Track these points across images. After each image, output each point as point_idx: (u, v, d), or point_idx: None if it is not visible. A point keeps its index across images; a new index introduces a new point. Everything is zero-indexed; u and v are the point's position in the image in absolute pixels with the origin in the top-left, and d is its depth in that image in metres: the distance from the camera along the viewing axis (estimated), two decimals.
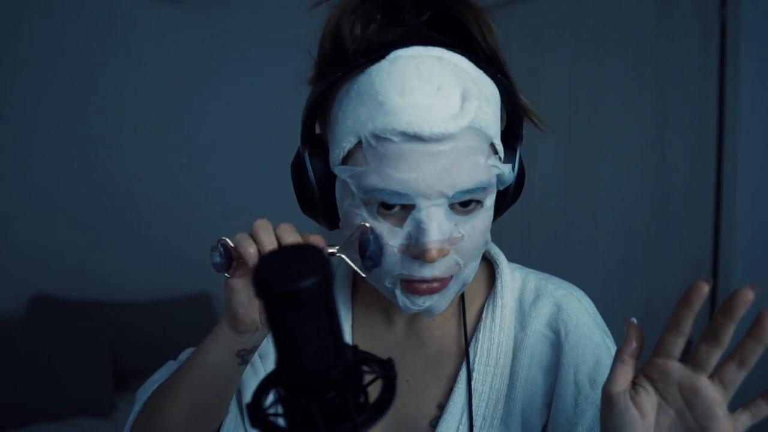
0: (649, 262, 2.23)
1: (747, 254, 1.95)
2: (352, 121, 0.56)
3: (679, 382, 0.47)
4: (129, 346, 2.46)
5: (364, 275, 0.58)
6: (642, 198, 2.26)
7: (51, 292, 2.46)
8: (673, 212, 2.18)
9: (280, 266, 0.33)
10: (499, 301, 0.69)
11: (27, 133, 2.49)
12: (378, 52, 0.55)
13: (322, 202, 0.62)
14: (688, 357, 0.47)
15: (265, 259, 0.34)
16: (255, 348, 0.62)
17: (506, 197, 0.64)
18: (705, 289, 0.45)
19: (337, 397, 0.35)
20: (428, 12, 0.61)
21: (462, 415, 0.65)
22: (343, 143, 0.57)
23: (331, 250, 0.58)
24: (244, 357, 0.61)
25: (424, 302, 0.59)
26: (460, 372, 0.67)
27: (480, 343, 0.68)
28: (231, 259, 0.57)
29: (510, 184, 0.63)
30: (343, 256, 0.58)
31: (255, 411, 0.36)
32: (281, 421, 0.36)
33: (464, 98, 0.54)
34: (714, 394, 0.46)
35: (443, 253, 0.56)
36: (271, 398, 0.38)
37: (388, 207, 0.56)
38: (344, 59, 0.57)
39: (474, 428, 0.65)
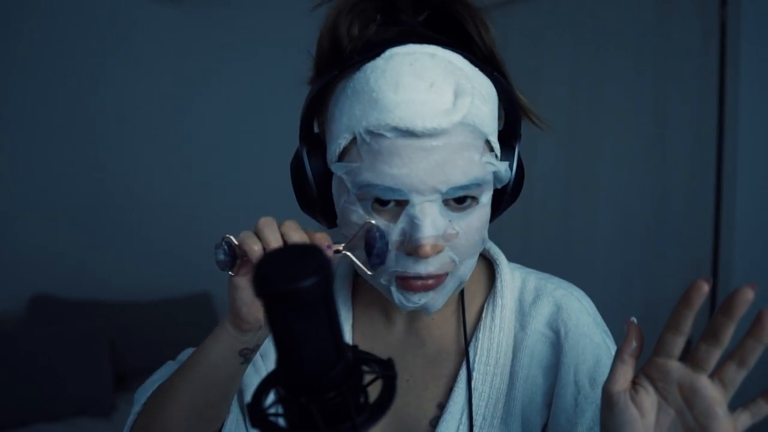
0: (649, 262, 2.23)
1: (747, 254, 1.95)
2: (347, 118, 0.56)
3: (679, 382, 0.47)
4: (129, 346, 2.46)
5: (370, 273, 0.58)
6: (642, 198, 2.26)
7: (51, 292, 2.46)
8: (673, 212, 2.18)
9: (280, 266, 0.33)
10: (499, 301, 0.69)
11: (27, 133, 2.49)
12: (374, 50, 0.56)
13: (320, 200, 0.62)
14: (688, 356, 0.47)
15: (265, 259, 0.34)
16: (257, 347, 0.61)
17: (505, 196, 0.64)
18: (705, 288, 0.45)
19: (337, 397, 0.35)
20: (425, 12, 0.62)
21: (462, 415, 0.65)
22: (338, 140, 0.57)
23: (336, 248, 0.57)
24: (246, 356, 0.61)
25: (420, 299, 0.60)
26: (460, 371, 0.67)
27: (480, 342, 0.68)
28: (235, 256, 0.57)
29: (509, 183, 0.63)
30: (349, 254, 0.58)
31: (255, 411, 0.37)
32: (281, 421, 0.36)
33: (457, 94, 0.54)
34: (714, 394, 0.46)
35: (437, 249, 0.56)
36: (271, 398, 0.38)
37: (382, 203, 0.57)
38: (341, 58, 0.58)
39: (474, 428, 0.65)
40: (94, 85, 2.64)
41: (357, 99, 0.56)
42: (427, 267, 0.57)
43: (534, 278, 0.72)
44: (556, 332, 0.67)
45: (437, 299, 0.61)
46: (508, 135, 0.63)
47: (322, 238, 0.55)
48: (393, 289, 0.60)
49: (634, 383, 0.49)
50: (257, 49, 2.94)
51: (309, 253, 0.34)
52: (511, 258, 0.74)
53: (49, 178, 2.55)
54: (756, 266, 1.90)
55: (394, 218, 0.57)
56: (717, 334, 0.45)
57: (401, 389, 0.69)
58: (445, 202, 0.57)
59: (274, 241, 0.54)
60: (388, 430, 0.68)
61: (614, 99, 2.32)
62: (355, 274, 0.76)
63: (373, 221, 0.57)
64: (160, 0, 2.79)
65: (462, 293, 0.70)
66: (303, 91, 0.62)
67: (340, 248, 0.58)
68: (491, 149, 0.59)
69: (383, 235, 0.56)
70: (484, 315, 0.69)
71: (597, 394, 0.63)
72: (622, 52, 2.29)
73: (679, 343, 0.47)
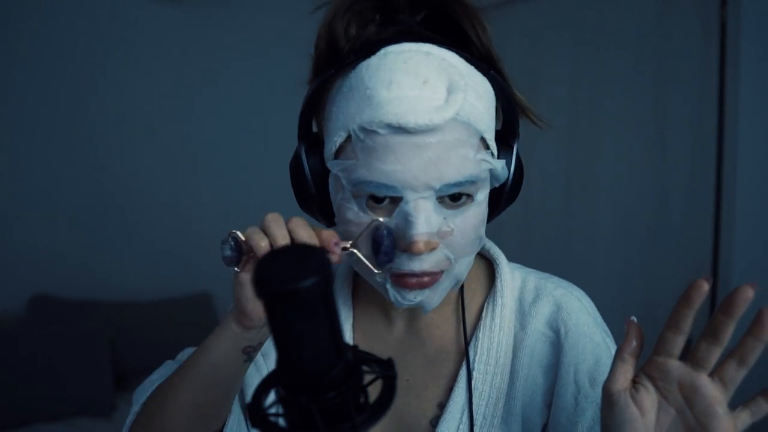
0: (649, 262, 2.23)
1: (747, 254, 1.95)
2: (342, 116, 0.57)
3: (679, 381, 0.47)
4: (129, 346, 2.46)
5: (377, 271, 0.58)
6: (642, 198, 2.26)
7: (51, 292, 2.46)
8: (673, 212, 2.18)
9: (280, 266, 0.33)
10: (499, 300, 0.69)
11: (27, 133, 2.49)
12: (369, 49, 0.57)
13: (318, 198, 0.63)
14: (688, 355, 0.47)
15: (266, 259, 0.34)
16: (261, 345, 0.61)
17: (503, 194, 0.64)
18: (705, 287, 0.45)
19: (337, 397, 0.35)
20: (423, 12, 0.62)
21: (462, 414, 0.65)
22: (334, 138, 0.58)
23: (344, 245, 0.57)
24: (249, 354, 0.61)
25: (415, 297, 0.60)
26: (461, 371, 0.67)
27: (480, 342, 0.68)
28: (241, 252, 0.57)
29: (507, 182, 0.63)
30: (356, 251, 0.58)
31: (255, 411, 0.37)
32: (281, 421, 0.36)
33: (450, 91, 0.55)
34: (714, 392, 0.46)
35: (431, 246, 0.56)
36: (271, 398, 0.38)
37: (377, 200, 0.57)
38: (339, 58, 0.58)
39: (474, 427, 0.65)
40: (94, 85, 2.64)
41: (352, 97, 0.56)
42: (422, 264, 0.57)
43: (534, 278, 0.72)
44: (556, 332, 0.67)
45: (433, 297, 0.61)
46: (506, 134, 0.63)
47: (330, 236, 0.55)
48: (389, 286, 0.60)
49: (635, 382, 0.49)
50: (257, 49, 2.94)
51: (309, 253, 0.34)
52: (511, 258, 0.74)
53: (49, 178, 2.55)
54: (756, 266, 1.90)
55: (389, 215, 0.57)
56: (717, 333, 0.45)
57: (401, 389, 0.69)
58: (440, 200, 0.57)
59: (281, 238, 0.54)
60: (388, 429, 0.68)
61: (614, 99, 2.32)
62: (355, 274, 0.76)
63: (381, 219, 0.57)
64: (160, 0, 2.79)
65: (462, 293, 0.70)
66: (303, 91, 0.62)
67: (348, 245, 0.58)
68: (487, 147, 0.59)
69: (390, 233, 0.56)
70: (484, 314, 0.69)
71: (597, 393, 0.63)
72: (622, 52, 2.29)
73: (679, 342, 0.47)
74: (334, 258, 0.55)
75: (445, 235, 0.57)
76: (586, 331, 0.66)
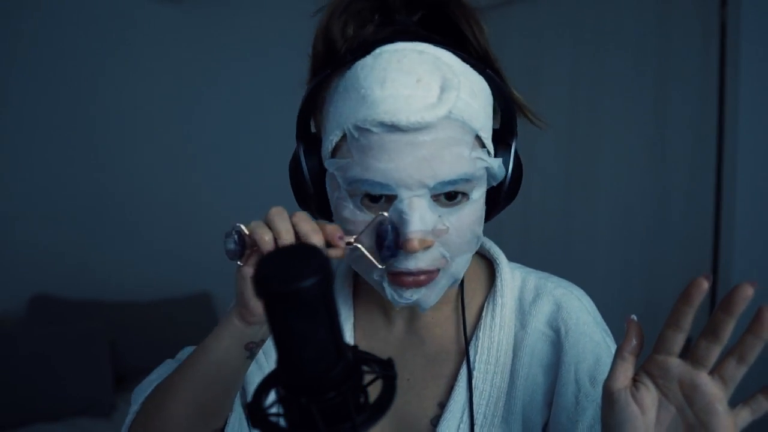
0: (649, 262, 2.23)
1: (747, 254, 1.95)
2: (338, 116, 0.57)
3: (679, 378, 0.47)
4: (129, 346, 2.46)
5: (380, 266, 0.58)
6: (642, 198, 2.26)
7: (51, 292, 2.46)
8: (673, 212, 2.18)
9: (280, 266, 0.33)
10: (499, 300, 0.69)
11: (27, 133, 2.49)
12: (365, 49, 0.57)
13: (316, 197, 0.63)
14: (688, 353, 0.47)
15: (266, 259, 0.34)
16: (263, 341, 0.61)
17: (502, 193, 0.64)
18: (705, 285, 0.45)
19: (337, 397, 0.35)
20: (420, 12, 0.63)
21: (463, 414, 0.65)
22: (330, 137, 0.58)
23: (348, 239, 0.57)
24: (252, 350, 0.60)
25: (412, 295, 0.60)
26: (461, 370, 0.67)
27: (480, 341, 0.68)
28: (245, 246, 0.56)
29: (505, 181, 0.63)
30: (360, 246, 0.58)
31: (255, 411, 0.37)
32: (281, 421, 0.36)
33: (443, 89, 0.55)
34: (714, 390, 0.46)
35: (425, 245, 0.56)
36: (271, 398, 0.38)
37: (372, 199, 0.57)
38: (335, 58, 0.59)
39: (475, 426, 0.65)
40: (94, 85, 2.64)
41: (347, 96, 0.56)
42: (417, 262, 0.57)
43: (534, 277, 0.72)
44: (557, 331, 0.67)
45: (430, 296, 0.61)
46: (504, 132, 0.63)
47: (334, 230, 0.55)
48: (385, 284, 0.60)
49: (635, 380, 0.49)
50: (257, 49, 2.94)
51: (309, 253, 0.34)
52: (511, 258, 0.74)
53: (49, 178, 2.55)
54: (756, 266, 1.90)
55: None
56: (717, 331, 0.45)
57: (402, 388, 0.69)
58: (435, 198, 0.57)
59: (285, 231, 0.54)
60: (388, 429, 0.68)
61: (614, 99, 2.32)
62: (356, 273, 0.76)
63: (385, 213, 0.57)
64: (160, 0, 2.79)
65: (462, 292, 0.70)
66: (302, 92, 0.63)
67: (352, 240, 0.58)
68: (483, 145, 0.59)
69: (395, 228, 0.56)
70: (484, 314, 0.69)
71: (597, 392, 0.63)
72: (622, 52, 2.29)
73: (679, 340, 0.47)
74: (338, 252, 0.55)
75: (440, 233, 0.57)
76: (586, 330, 0.66)
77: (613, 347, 0.66)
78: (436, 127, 0.54)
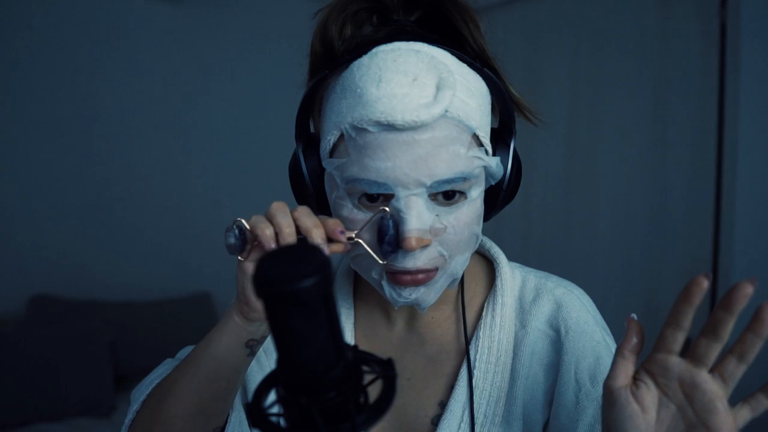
0: (649, 261, 2.23)
1: (747, 254, 1.95)
2: (335, 115, 0.57)
3: (680, 377, 0.47)
4: (129, 346, 2.46)
5: (381, 262, 0.58)
6: (642, 197, 2.26)
7: (51, 292, 2.45)
8: (673, 212, 2.18)
9: (280, 266, 0.33)
10: (499, 299, 0.69)
11: (27, 133, 2.49)
12: (362, 49, 0.57)
13: (316, 197, 0.63)
14: (688, 352, 0.47)
15: (265, 258, 0.34)
16: (263, 339, 0.61)
17: (501, 193, 0.64)
18: (704, 284, 0.45)
19: (337, 397, 0.35)
20: (417, 12, 0.63)
21: (463, 413, 0.65)
22: (328, 137, 0.59)
23: (349, 234, 0.57)
24: (252, 347, 0.60)
25: (410, 294, 0.60)
26: (461, 370, 0.67)
27: (481, 341, 0.68)
28: (245, 241, 0.56)
29: (504, 180, 0.63)
30: (361, 241, 0.58)
31: (255, 411, 0.36)
32: (281, 421, 0.36)
33: (439, 88, 0.55)
34: (714, 388, 0.46)
35: (423, 243, 0.56)
36: (271, 398, 0.38)
37: (370, 198, 0.57)
38: (333, 58, 0.59)
39: (475, 426, 0.65)
40: (94, 84, 2.64)
41: (344, 96, 0.57)
42: (415, 261, 0.57)
43: (534, 277, 0.72)
44: (557, 330, 0.67)
45: (429, 294, 0.61)
46: (503, 131, 0.63)
47: (335, 225, 0.55)
48: (384, 283, 0.60)
49: (635, 379, 0.49)
50: (256, 49, 2.94)
51: (309, 252, 0.34)
52: (511, 257, 0.74)
53: (49, 178, 2.55)
54: (756, 266, 1.90)
55: None
56: (717, 329, 0.45)
57: (402, 388, 0.69)
58: (433, 197, 0.57)
59: (286, 226, 0.53)
60: (389, 428, 0.68)
61: (614, 99, 2.32)
62: (356, 273, 0.76)
63: (387, 209, 0.57)
64: (160, 0, 2.80)
65: (462, 292, 0.70)
66: (302, 92, 0.63)
67: (353, 235, 0.58)
68: (480, 144, 0.59)
69: (396, 223, 0.56)
70: (484, 314, 0.69)
71: (598, 391, 0.63)
72: (622, 52, 2.29)
73: (679, 339, 0.47)
74: (339, 247, 0.55)
75: (438, 232, 0.57)
76: (587, 329, 0.66)
77: (613, 346, 0.67)
78: (432, 125, 0.55)
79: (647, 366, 0.49)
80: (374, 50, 0.57)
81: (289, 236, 0.53)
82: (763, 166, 1.94)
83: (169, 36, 2.83)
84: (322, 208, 0.64)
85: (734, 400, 0.47)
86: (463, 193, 0.58)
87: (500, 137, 0.63)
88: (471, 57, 0.59)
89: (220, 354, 0.59)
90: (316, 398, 0.35)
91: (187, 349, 0.70)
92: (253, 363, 0.71)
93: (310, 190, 0.63)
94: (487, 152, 0.60)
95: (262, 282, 0.33)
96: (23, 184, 2.49)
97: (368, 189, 0.56)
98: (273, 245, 0.53)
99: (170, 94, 2.84)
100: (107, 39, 2.66)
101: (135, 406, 0.65)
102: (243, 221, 0.56)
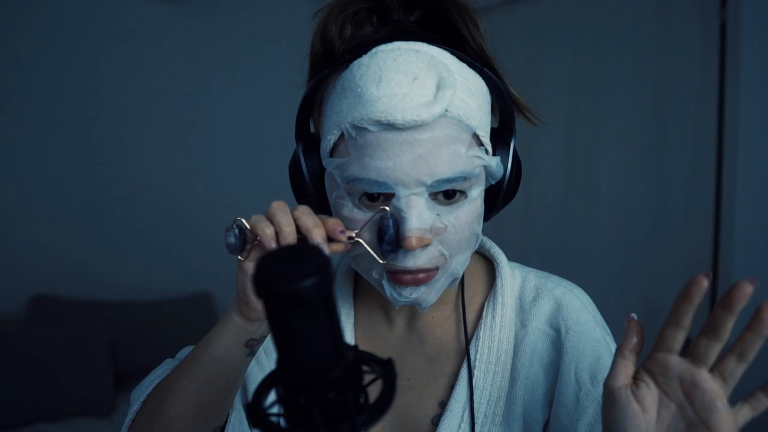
0: (649, 261, 2.23)
1: (747, 254, 1.95)
2: (336, 115, 0.58)
3: (680, 376, 0.47)
4: (129, 346, 2.46)
5: (382, 261, 0.58)
6: (642, 198, 2.26)
7: (51, 292, 2.45)
8: (673, 212, 2.18)
9: (280, 266, 0.33)
10: (499, 299, 0.69)
11: (27, 133, 2.49)
12: (362, 49, 0.58)
13: (316, 197, 0.63)
14: (688, 351, 0.47)
15: (265, 258, 0.34)
16: (263, 338, 0.61)
17: (501, 192, 0.64)
18: (704, 283, 0.45)
19: (337, 397, 0.35)
20: (417, 12, 0.63)
21: (464, 413, 0.65)
22: (328, 136, 0.59)
23: (349, 234, 0.57)
24: (252, 347, 0.60)
25: (411, 294, 0.60)
26: (462, 370, 0.67)
27: (481, 341, 0.68)
28: (246, 240, 0.56)
29: (504, 179, 0.63)
30: (361, 240, 0.58)
31: (255, 411, 0.36)
32: (281, 421, 0.36)
33: (439, 87, 0.55)
34: (714, 388, 0.46)
35: (423, 243, 0.57)
36: (271, 398, 0.38)
37: (371, 197, 0.57)
38: (333, 58, 0.59)
39: (476, 426, 0.65)
40: (94, 84, 2.64)
41: (344, 96, 0.57)
42: (416, 261, 0.57)
43: (534, 277, 0.72)
44: (557, 330, 0.67)
45: (429, 294, 0.61)
46: (503, 131, 0.63)
47: (336, 224, 0.55)
48: (384, 283, 0.60)
49: (635, 378, 0.49)
50: (256, 49, 2.94)
51: (309, 252, 0.34)
52: (511, 257, 0.74)
53: (49, 178, 2.55)
54: (756, 266, 1.90)
55: None
56: (717, 329, 0.45)
57: (402, 388, 0.69)
58: (434, 197, 0.57)
59: (287, 225, 0.53)
60: (389, 428, 0.68)
61: (614, 99, 2.32)
62: (357, 273, 0.76)
63: (387, 208, 0.57)
64: (160, 0, 2.80)
65: (462, 291, 0.70)
66: (302, 92, 0.63)
67: (353, 234, 0.57)
68: (480, 143, 0.60)
69: (396, 223, 0.56)
70: (484, 313, 0.69)
71: (598, 391, 0.63)
72: (622, 52, 2.30)
73: (679, 338, 0.47)
74: (340, 246, 0.55)
75: (438, 231, 0.57)
76: (587, 329, 0.66)
77: (613, 346, 0.67)
78: (432, 125, 0.55)
79: (647, 365, 0.49)
80: (374, 50, 0.57)
81: (290, 236, 0.53)
82: (763, 166, 1.94)
83: (169, 36, 2.83)
84: (322, 207, 0.64)
85: (734, 400, 0.47)
86: (463, 193, 0.58)
87: (500, 137, 0.63)
88: (471, 57, 0.60)
89: (220, 354, 0.59)
90: (316, 398, 0.35)
91: (187, 349, 0.70)
92: (253, 363, 0.71)
93: (311, 189, 0.63)
94: (487, 152, 0.60)
95: (262, 282, 0.33)
96: (23, 184, 2.49)
97: (369, 188, 0.56)
98: (273, 245, 0.53)
99: (170, 94, 2.84)
100: (107, 39, 2.66)
101: (135, 407, 0.65)
102: (243, 221, 0.56)
